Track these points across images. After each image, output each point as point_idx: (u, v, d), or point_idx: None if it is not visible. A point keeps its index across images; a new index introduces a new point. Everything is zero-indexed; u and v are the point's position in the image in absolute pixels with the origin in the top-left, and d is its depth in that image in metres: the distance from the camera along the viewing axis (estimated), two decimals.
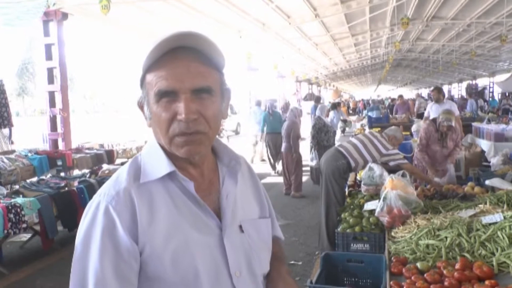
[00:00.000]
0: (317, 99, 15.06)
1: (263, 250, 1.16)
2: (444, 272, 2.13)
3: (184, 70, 0.98)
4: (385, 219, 3.04)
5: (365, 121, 12.03)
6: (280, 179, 8.72)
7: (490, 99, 25.00)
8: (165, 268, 0.98)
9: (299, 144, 8.21)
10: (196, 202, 1.05)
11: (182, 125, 0.98)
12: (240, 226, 1.11)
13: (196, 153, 1.03)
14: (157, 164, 1.05)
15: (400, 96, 14.92)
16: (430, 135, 5.18)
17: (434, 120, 5.31)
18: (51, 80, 7.26)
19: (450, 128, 5.01)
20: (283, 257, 1.32)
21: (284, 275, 1.20)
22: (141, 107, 1.08)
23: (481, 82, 28.66)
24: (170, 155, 1.06)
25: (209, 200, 1.09)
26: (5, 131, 7.46)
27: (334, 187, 4.55)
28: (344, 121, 11.61)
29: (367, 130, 8.60)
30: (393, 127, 5.12)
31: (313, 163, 8.41)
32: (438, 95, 7.44)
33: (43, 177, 6.05)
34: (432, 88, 8.48)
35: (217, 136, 1.12)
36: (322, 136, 8.30)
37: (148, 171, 1.05)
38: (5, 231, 4.39)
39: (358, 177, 5.26)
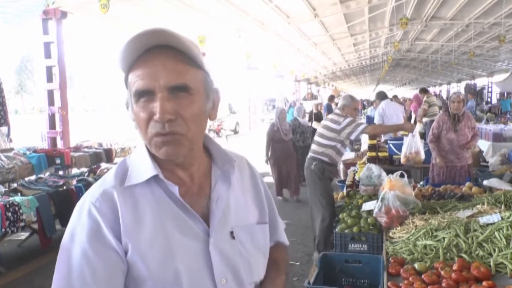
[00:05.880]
0: (331, 98, 15.25)
1: (256, 257, 1.11)
2: (442, 273, 2.13)
3: (160, 68, 0.95)
4: (383, 219, 3.04)
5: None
6: None
7: (488, 99, 25.05)
8: (147, 271, 0.96)
9: (276, 147, 7.60)
10: (182, 206, 1.02)
11: (158, 126, 0.96)
12: (231, 232, 1.06)
13: (174, 154, 0.99)
14: (143, 167, 1.04)
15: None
16: (443, 123, 5.09)
17: (447, 109, 5.28)
18: (50, 78, 7.24)
19: (461, 102, 4.98)
20: (283, 265, 1.25)
21: (276, 286, 1.14)
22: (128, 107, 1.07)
23: (480, 82, 28.68)
24: (157, 158, 1.04)
25: (198, 205, 1.05)
26: (4, 129, 7.44)
27: (317, 190, 4.59)
28: None
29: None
30: (342, 95, 5.12)
31: None
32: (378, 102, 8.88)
33: (42, 175, 6.03)
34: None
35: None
36: (298, 137, 8.32)
37: (134, 175, 1.03)
38: (3, 230, 4.39)
39: (356, 177, 5.27)
